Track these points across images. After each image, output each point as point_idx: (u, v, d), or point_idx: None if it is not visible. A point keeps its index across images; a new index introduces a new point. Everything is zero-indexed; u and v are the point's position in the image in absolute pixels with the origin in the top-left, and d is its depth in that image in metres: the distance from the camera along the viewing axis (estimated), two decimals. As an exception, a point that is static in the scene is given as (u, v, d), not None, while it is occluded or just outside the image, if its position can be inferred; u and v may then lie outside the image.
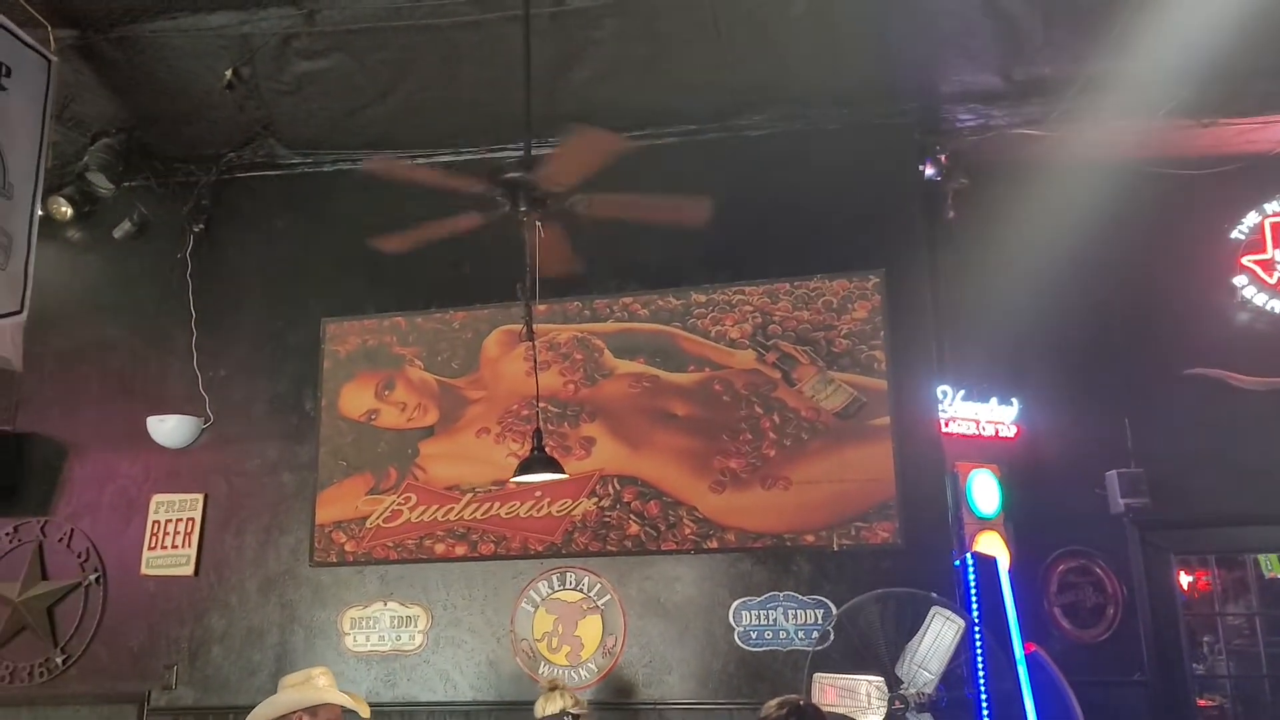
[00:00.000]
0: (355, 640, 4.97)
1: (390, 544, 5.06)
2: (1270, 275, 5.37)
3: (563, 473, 4.15)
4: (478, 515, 5.00)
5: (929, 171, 5.02)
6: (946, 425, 5.22)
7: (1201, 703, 5.30)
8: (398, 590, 5.00)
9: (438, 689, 4.84)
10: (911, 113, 5.01)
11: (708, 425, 4.88)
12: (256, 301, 5.55)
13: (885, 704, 4.07)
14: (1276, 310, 5.33)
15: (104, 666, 5.16)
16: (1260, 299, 5.36)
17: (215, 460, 5.34)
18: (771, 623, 4.60)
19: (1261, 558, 5.53)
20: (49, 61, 3.91)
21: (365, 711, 3.44)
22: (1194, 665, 5.32)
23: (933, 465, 4.70)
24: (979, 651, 4.29)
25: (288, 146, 5.44)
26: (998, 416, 5.45)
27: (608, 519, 4.87)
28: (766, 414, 4.83)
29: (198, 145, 5.42)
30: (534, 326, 3.96)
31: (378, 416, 5.25)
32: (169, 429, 5.28)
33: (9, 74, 3.71)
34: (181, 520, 5.26)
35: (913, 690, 4.09)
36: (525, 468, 4.07)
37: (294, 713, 3.16)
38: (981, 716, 4.23)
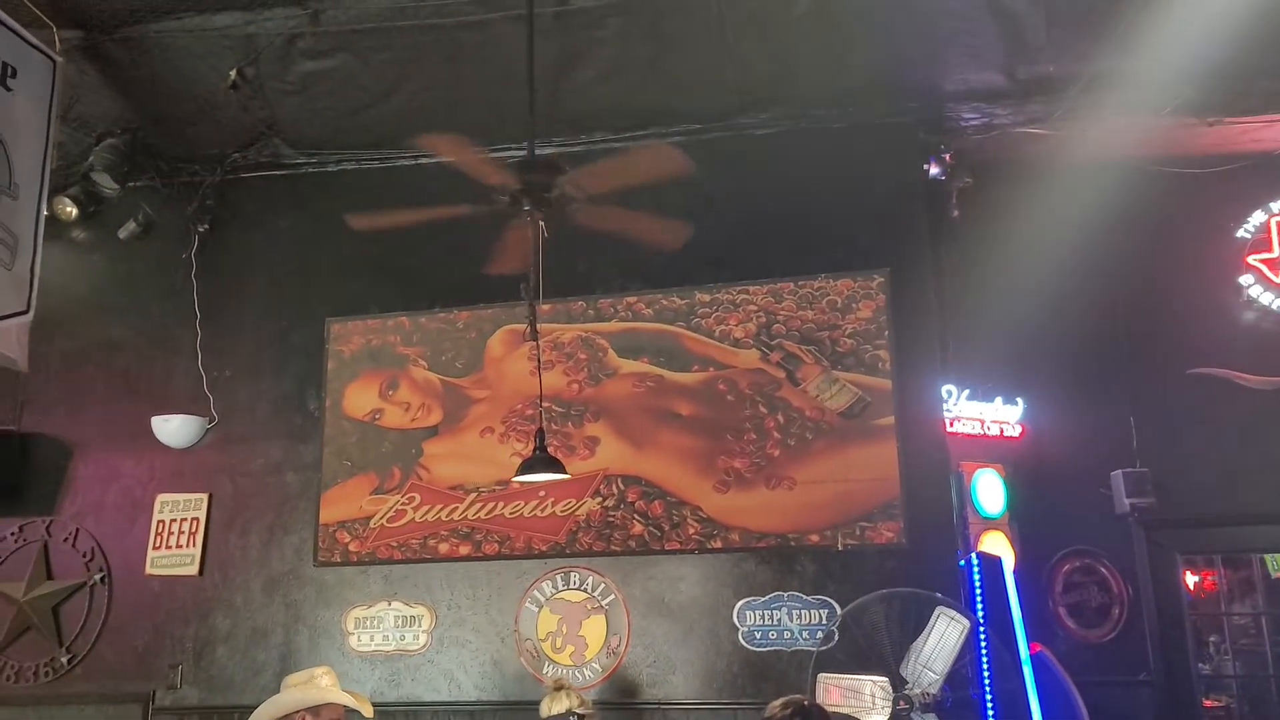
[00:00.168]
0: (359, 640, 4.98)
1: (394, 544, 5.06)
2: (1276, 274, 5.36)
3: (565, 472, 4.14)
4: (482, 515, 5.00)
5: (933, 171, 5.01)
6: (951, 425, 5.22)
7: (1208, 703, 5.29)
8: (402, 590, 5.01)
9: (442, 689, 4.84)
10: (915, 112, 5.00)
11: (712, 425, 4.87)
12: (261, 301, 5.55)
13: (890, 704, 4.06)
14: (1282, 309, 5.32)
15: (109, 666, 5.17)
16: (1266, 298, 5.35)
17: (220, 460, 5.35)
18: (776, 623, 4.60)
19: (1268, 557, 5.52)
20: (54, 62, 3.93)
21: (368, 711, 3.44)
22: (1200, 665, 5.32)
23: (937, 465, 4.69)
24: (984, 651, 4.28)
25: (292, 146, 5.44)
26: (1002, 416, 5.45)
27: (612, 519, 4.87)
28: (771, 414, 4.83)
29: (202, 145, 5.42)
30: (538, 326, 3.96)
31: (382, 416, 5.26)
32: (173, 429, 5.29)
33: (14, 74, 3.72)
34: (186, 520, 5.27)
35: (917, 690, 4.09)
36: (527, 467, 4.07)
37: (296, 712, 3.17)
38: (986, 717, 4.22)
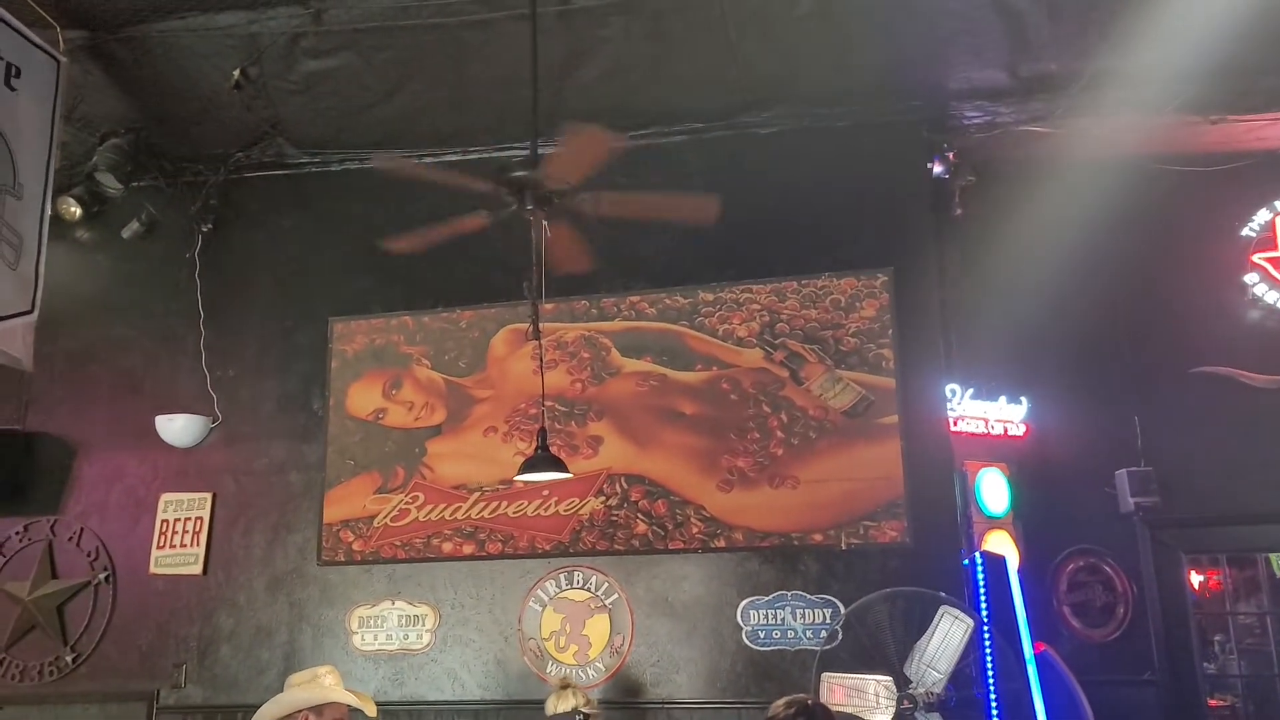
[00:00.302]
0: (363, 639, 4.98)
1: (398, 543, 5.06)
2: (1281, 273, 5.34)
3: (567, 472, 4.14)
4: (485, 514, 5.00)
5: (936, 169, 5.00)
6: (955, 424, 5.21)
7: (1213, 702, 5.28)
8: (405, 589, 5.01)
9: (445, 688, 4.84)
10: (918, 110, 4.99)
11: (715, 424, 4.87)
12: (264, 301, 5.56)
13: (894, 703, 4.06)
14: (1287, 308, 5.31)
15: (113, 665, 5.18)
16: (1271, 296, 5.33)
17: (223, 459, 5.35)
18: (779, 622, 4.59)
19: (1273, 556, 5.51)
20: (58, 62, 3.94)
21: (371, 710, 3.45)
22: (1205, 664, 5.30)
23: (941, 464, 4.68)
24: (988, 651, 4.27)
25: (296, 146, 5.44)
26: (1006, 415, 5.44)
27: (615, 518, 4.86)
28: (774, 413, 4.82)
29: (206, 145, 5.43)
30: (541, 325, 3.97)
31: (385, 415, 5.26)
32: (177, 428, 5.30)
33: (18, 74, 3.73)
34: (190, 519, 5.27)
35: (921, 690, 4.08)
36: (529, 466, 4.07)
37: (300, 711, 3.16)
38: (991, 716, 4.21)
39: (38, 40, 3.82)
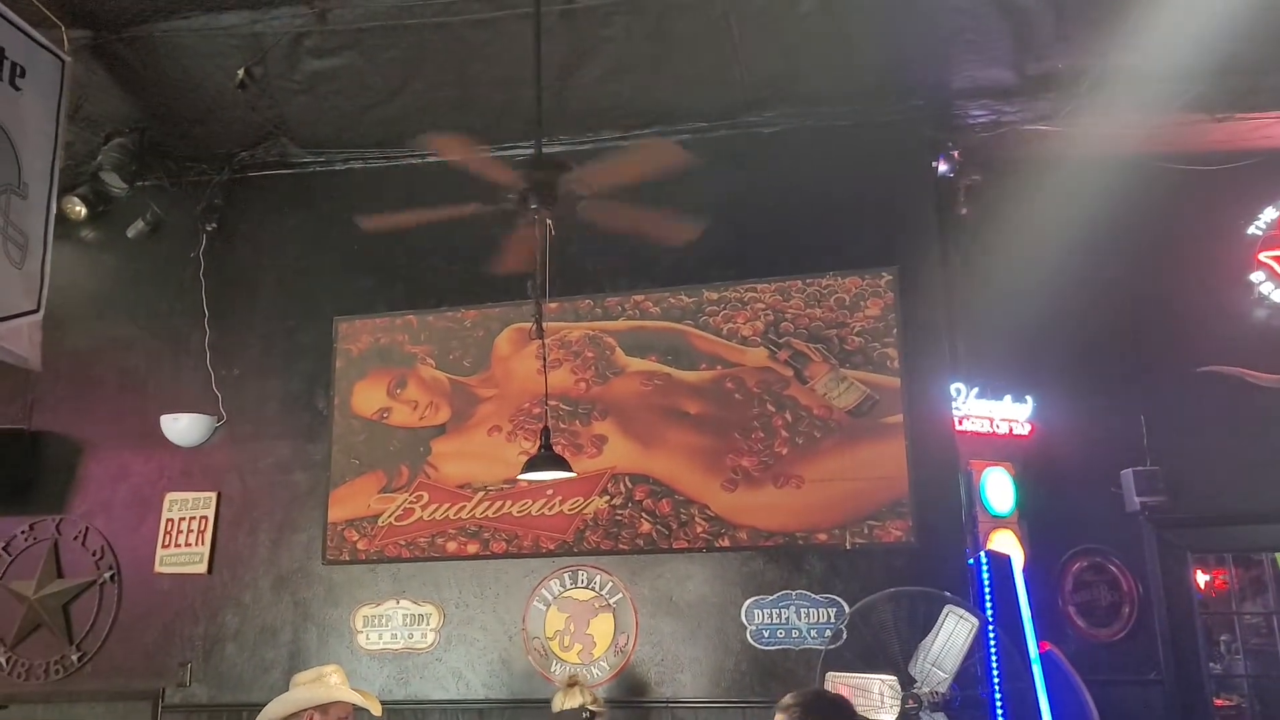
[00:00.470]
0: (368, 638, 4.98)
1: (402, 542, 5.06)
2: (1287, 271, 5.32)
3: (570, 471, 4.14)
4: (489, 513, 5.00)
5: (941, 168, 4.99)
6: (960, 423, 5.19)
7: (1219, 702, 5.26)
8: (410, 588, 5.01)
9: (450, 687, 4.85)
10: (923, 109, 4.99)
11: (720, 423, 4.86)
12: (269, 300, 5.56)
13: (899, 703, 4.05)
14: (1294, 307, 5.29)
15: (119, 664, 5.19)
16: (1278, 295, 5.31)
17: (228, 458, 5.36)
18: (784, 621, 4.59)
19: (1279, 556, 5.49)
20: (63, 62, 3.93)
21: (377, 709, 3.44)
22: (1211, 664, 5.29)
23: (946, 463, 4.68)
24: (993, 650, 4.26)
25: (300, 145, 5.45)
26: (1012, 414, 5.42)
27: (619, 517, 4.86)
28: (779, 412, 4.82)
29: (210, 144, 5.44)
30: (545, 324, 3.96)
31: (390, 415, 5.26)
32: (182, 427, 5.31)
33: (23, 74, 3.73)
34: (195, 518, 5.28)
35: (926, 689, 4.07)
36: (532, 465, 4.07)
37: (305, 710, 3.16)
38: (996, 715, 4.21)
39: (43, 40, 3.82)
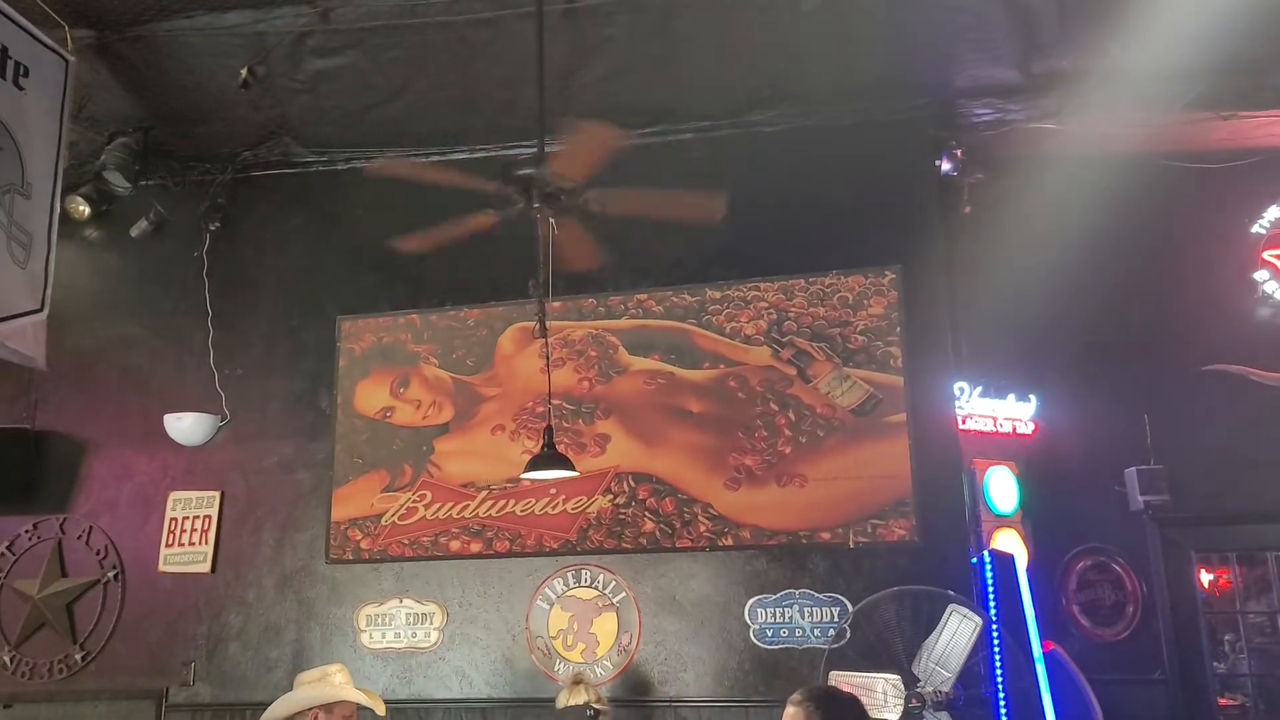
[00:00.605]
0: (371, 637, 4.99)
1: (406, 541, 5.07)
2: (1292, 270, 5.31)
3: (573, 470, 4.15)
4: (493, 512, 5.00)
5: (945, 166, 4.99)
6: (963, 422, 5.19)
7: (1223, 701, 5.25)
8: (413, 587, 5.01)
9: (453, 686, 4.85)
10: (926, 107, 4.98)
11: (723, 422, 4.86)
12: (272, 299, 5.57)
13: (902, 702, 4.04)
14: (1298, 305, 5.28)
15: (122, 663, 5.20)
16: (1281, 294, 5.31)
17: (232, 458, 5.36)
18: (787, 620, 4.58)
19: (1283, 555, 5.47)
20: (66, 61, 3.93)
21: (381, 709, 3.45)
22: (1215, 664, 5.27)
23: (950, 462, 4.67)
24: (996, 649, 4.26)
25: (303, 145, 5.45)
26: (1015, 413, 5.41)
27: (623, 516, 4.86)
28: (782, 411, 4.81)
29: (213, 144, 5.44)
30: (548, 323, 3.97)
31: (393, 414, 5.26)
32: (186, 427, 5.31)
33: (27, 74, 3.73)
34: (198, 517, 5.29)
35: (930, 688, 4.07)
36: (536, 464, 4.07)
37: (310, 710, 3.17)
38: (999, 715, 4.20)
39: (46, 39, 3.82)
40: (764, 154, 5.11)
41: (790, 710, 2.48)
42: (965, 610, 4.14)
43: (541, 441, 4.10)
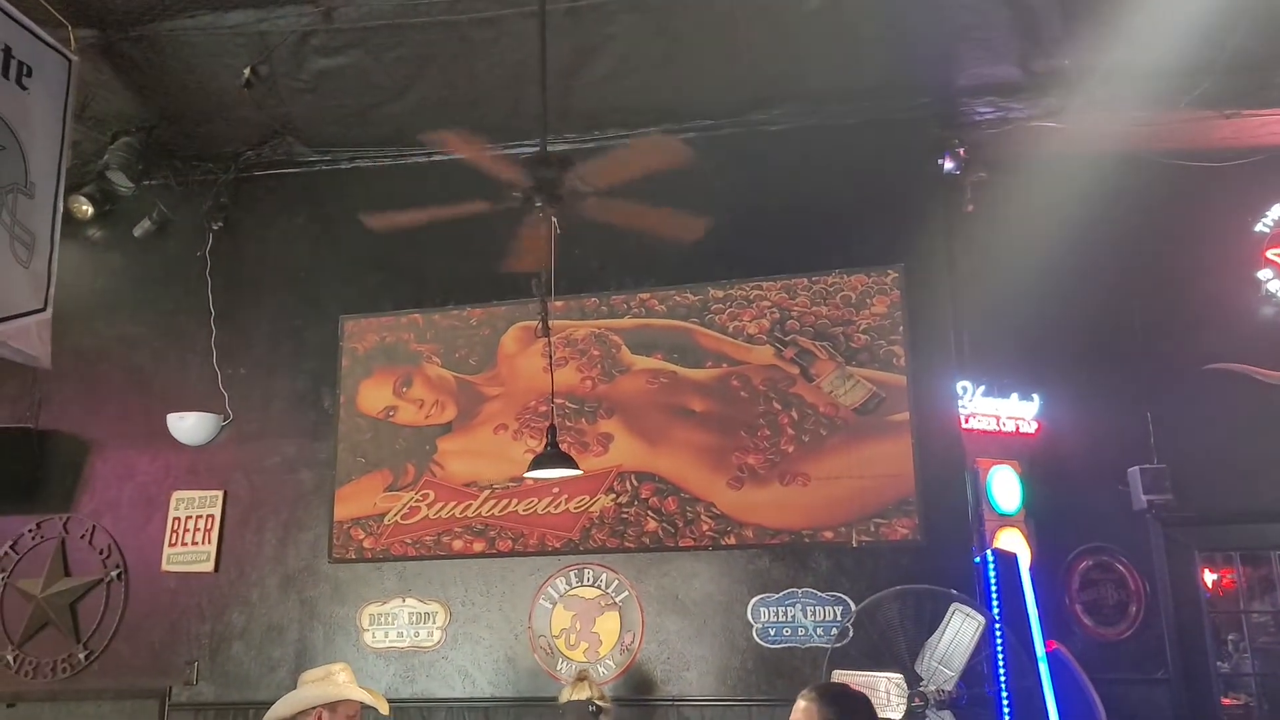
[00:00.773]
0: (374, 636, 4.99)
1: (408, 540, 5.07)
2: (1295, 269, 5.31)
3: (576, 468, 4.15)
4: (495, 512, 5.00)
5: (947, 165, 4.99)
6: (966, 421, 5.19)
7: (1226, 701, 5.25)
8: (416, 587, 5.01)
9: (456, 685, 4.85)
10: (929, 106, 4.98)
11: (726, 421, 4.86)
12: (275, 299, 5.57)
13: (905, 701, 4.05)
14: (1301, 304, 5.27)
15: (126, 662, 5.20)
16: (1285, 293, 5.30)
17: (235, 457, 5.37)
18: (790, 619, 4.58)
19: (1287, 554, 5.46)
20: (69, 61, 3.94)
21: (384, 708, 3.45)
22: (1218, 663, 5.27)
23: (953, 461, 4.67)
24: (999, 649, 4.26)
25: (306, 144, 5.46)
26: (1018, 412, 5.41)
27: (625, 515, 4.86)
28: (785, 410, 4.81)
29: (216, 143, 5.45)
30: (551, 323, 3.96)
31: (396, 413, 5.27)
32: (189, 426, 5.32)
33: (30, 74, 3.73)
34: (201, 517, 5.29)
35: (933, 687, 4.07)
36: (539, 463, 4.07)
37: (314, 709, 3.17)
38: (1002, 714, 4.20)
39: (49, 39, 3.82)
40: (766, 153, 5.11)
41: (801, 705, 2.48)
42: (968, 609, 4.14)
43: (544, 440, 4.10)
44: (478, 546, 4.99)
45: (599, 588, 4.83)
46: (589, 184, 3.64)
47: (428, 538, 5.05)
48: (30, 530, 5.47)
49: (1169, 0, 4.12)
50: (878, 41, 4.56)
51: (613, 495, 4.89)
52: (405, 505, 5.11)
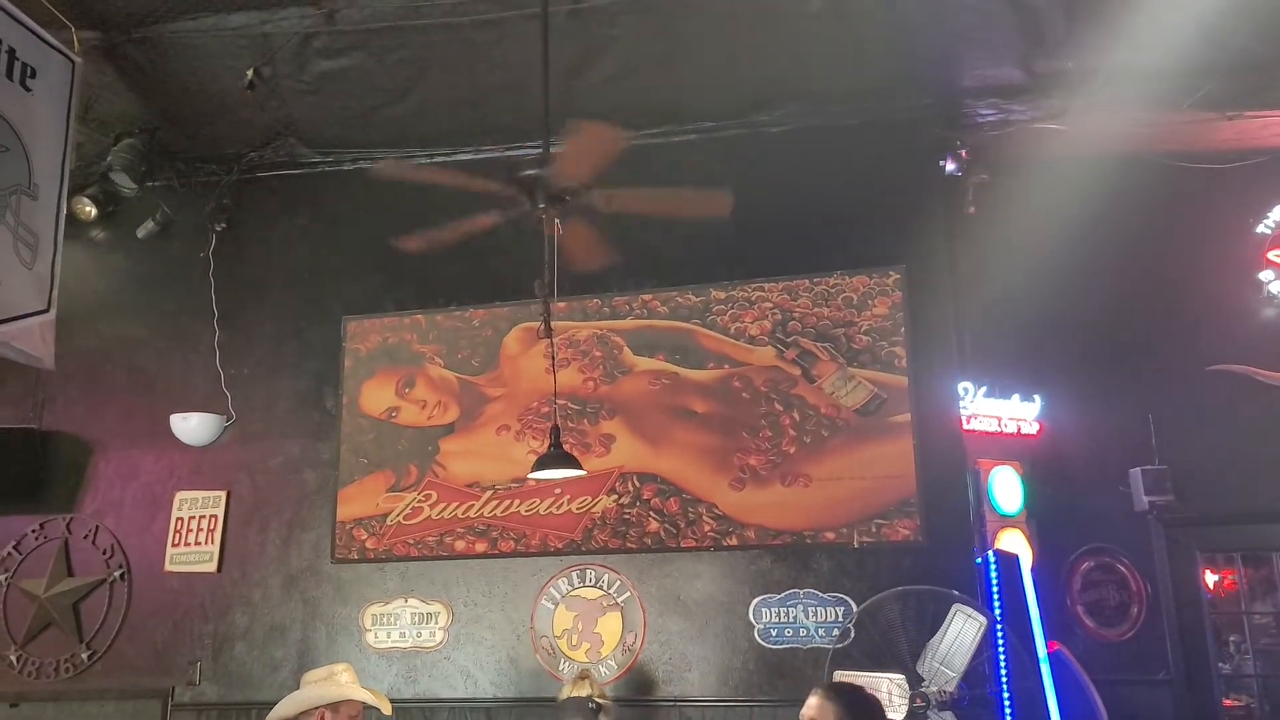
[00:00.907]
0: (376, 637, 5.00)
1: (411, 541, 5.08)
2: (1297, 270, 5.31)
3: (580, 469, 4.15)
4: (498, 512, 5.01)
5: (949, 167, 4.99)
6: (968, 422, 5.20)
7: (1227, 702, 5.25)
8: (418, 587, 5.02)
9: (458, 685, 4.86)
10: (931, 108, 4.98)
11: (727, 422, 4.87)
12: (278, 300, 5.58)
13: (907, 702, 4.05)
14: (1302, 305, 5.28)
15: (129, 662, 5.21)
16: (1287, 294, 5.30)
17: (238, 457, 5.38)
18: (792, 620, 4.59)
19: (1288, 556, 5.47)
20: (73, 63, 3.95)
21: (387, 708, 3.46)
22: (1220, 664, 5.27)
23: (954, 462, 4.67)
24: (1001, 649, 4.26)
25: (308, 146, 5.47)
26: (1020, 413, 5.42)
27: (627, 516, 4.87)
28: (786, 411, 4.82)
29: (219, 145, 5.46)
30: (553, 324, 3.96)
31: (398, 414, 5.27)
32: (192, 427, 5.33)
33: (34, 75, 3.74)
34: (204, 517, 5.30)
35: (934, 688, 4.07)
36: (542, 464, 4.08)
37: (316, 709, 3.18)
38: (1004, 715, 4.20)
39: (53, 41, 3.84)
40: (769, 154, 5.11)
41: (813, 700, 2.49)
42: (970, 610, 4.14)
43: (547, 441, 4.11)
44: (480, 547, 5.00)
45: (601, 588, 4.84)
46: (612, 204, 3.65)
47: (430, 538, 5.06)
48: (33, 530, 5.49)
49: (1172, 2, 4.12)
50: (880, 43, 4.57)
51: (615, 496, 4.90)
52: (408, 506, 5.12)
